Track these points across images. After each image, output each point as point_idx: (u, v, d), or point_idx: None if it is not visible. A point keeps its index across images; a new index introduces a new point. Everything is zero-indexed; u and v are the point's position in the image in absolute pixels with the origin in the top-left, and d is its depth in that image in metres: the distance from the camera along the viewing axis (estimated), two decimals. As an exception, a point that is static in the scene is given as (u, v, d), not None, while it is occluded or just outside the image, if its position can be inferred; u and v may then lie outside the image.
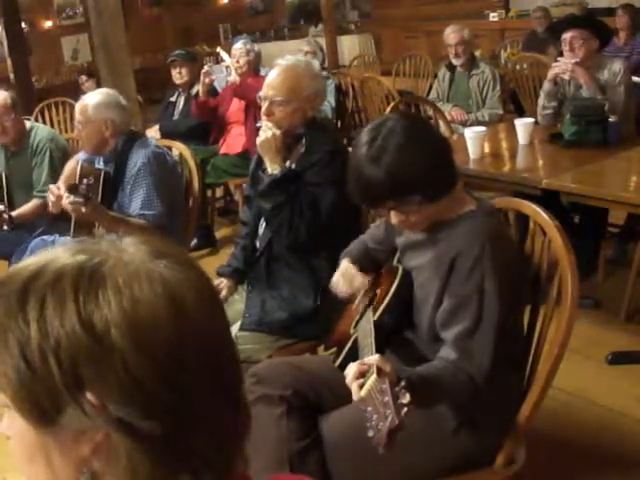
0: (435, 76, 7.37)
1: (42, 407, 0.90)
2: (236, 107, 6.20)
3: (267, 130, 3.33)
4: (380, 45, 14.84)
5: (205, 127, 6.36)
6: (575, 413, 3.70)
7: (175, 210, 3.91)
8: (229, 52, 6.98)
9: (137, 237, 1.01)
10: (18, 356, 0.89)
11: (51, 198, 3.92)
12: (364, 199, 2.42)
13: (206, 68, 6.22)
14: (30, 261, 0.96)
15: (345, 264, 2.82)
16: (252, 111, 5.89)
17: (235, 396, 1.01)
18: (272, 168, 3.32)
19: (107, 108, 3.89)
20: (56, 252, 0.97)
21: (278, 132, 3.31)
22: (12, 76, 9.69)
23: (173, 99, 6.72)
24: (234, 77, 5.95)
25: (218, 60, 8.56)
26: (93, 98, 3.91)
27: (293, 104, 3.34)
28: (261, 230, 3.46)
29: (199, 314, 0.94)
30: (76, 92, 10.80)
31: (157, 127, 6.72)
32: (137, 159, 3.82)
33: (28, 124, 4.95)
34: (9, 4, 9.69)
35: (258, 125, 3.44)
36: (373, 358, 2.06)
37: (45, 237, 3.98)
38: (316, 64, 3.67)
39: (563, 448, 3.43)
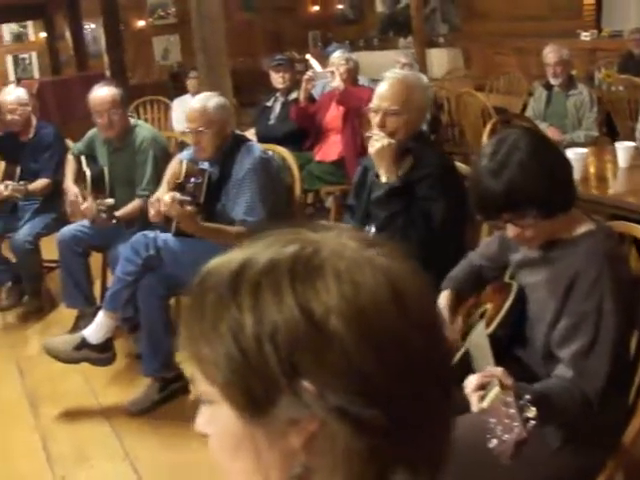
0: (529, 94, 7.32)
1: (255, 396, 0.88)
2: (334, 114, 6.22)
3: (381, 139, 3.34)
4: (469, 60, 14.77)
5: (301, 133, 6.38)
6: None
7: (276, 217, 3.94)
8: (318, 60, 7.03)
9: (343, 227, 0.98)
10: (231, 344, 0.87)
11: (152, 212, 3.98)
12: (481, 210, 2.44)
13: (309, 74, 6.25)
14: (229, 255, 0.95)
15: (443, 296, 2.82)
16: (351, 119, 5.93)
17: (449, 389, 0.97)
18: (387, 177, 3.34)
19: (225, 108, 3.97)
20: (258, 245, 0.94)
21: (392, 141, 3.33)
22: (107, 73, 9.94)
23: (269, 104, 6.76)
24: (338, 83, 5.97)
25: (307, 67, 8.61)
26: (209, 100, 3.98)
27: (405, 115, 3.37)
28: (367, 240, 3.47)
29: (418, 301, 0.91)
30: (167, 91, 10.98)
31: (253, 131, 6.76)
32: (244, 164, 3.86)
33: (132, 121, 5.07)
34: (109, 3, 9.92)
35: (368, 135, 3.46)
36: (496, 370, 2.08)
37: (147, 232, 4.05)
38: (424, 77, 3.69)
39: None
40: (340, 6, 17.43)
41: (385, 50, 13.70)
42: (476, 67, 14.21)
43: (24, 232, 5.56)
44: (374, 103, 3.44)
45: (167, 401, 4.17)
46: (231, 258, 0.94)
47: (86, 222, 4.96)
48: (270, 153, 4.14)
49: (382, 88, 3.44)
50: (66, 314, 5.46)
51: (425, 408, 0.91)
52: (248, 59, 14.68)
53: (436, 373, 0.93)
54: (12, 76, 17.09)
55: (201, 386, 0.94)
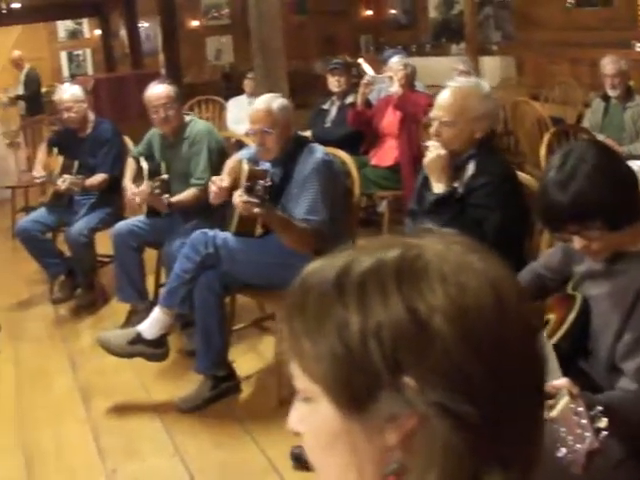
0: (585, 105, 7.27)
1: (356, 392, 0.90)
2: (391, 119, 6.23)
3: (434, 150, 3.37)
4: (521, 69, 14.67)
5: (357, 137, 6.37)
6: None
7: (335, 219, 3.95)
8: (371, 64, 7.02)
9: (444, 232, 1.02)
10: (336, 340, 0.90)
11: (213, 189, 4.05)
12: (547, 222, 2.46)
13: (368, 78, 6.26)
14: (331, 258, 0.98)
15: None
16: (408, 125, 5.93)
17: (541, 389, 1.00)
18: (437, 187, 3.37)
19: (288, 110, 4.03)
20: (359, 249, 0.98)
21: (444, 152, 3.35)
22: (163, 71, 10.03)
23: (326, 106, 6.78)
24: (396, 89, 5.99)
25: (359, 71, 8.61)
26: (274, 101, 4.03)
27: (460, 125, 3.38)
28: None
29: (516, 305, 0.94)
30: (219, 91, 11.05)
31: (308, 133, 6.77)
32: (307, 164, 3.89)
33: (187, 118, 5.15)
34: (167, 2, 10.02)
35: (425, 144, 3.48)
36: (563, 381, 2.07)
37: (206, 230, 4.07)
38: (486, 85, 3.68)
39: None
40: (393, 11, 17.40)
41: (437, 56, 13.65)
42: (529, 76, 14.11)
43: (80, 226, 5.63)
44: (432, 112, 3.47)
45: (218, 399, 4.18)
46: (334, 259, 0.97)
47: (142, 217, 5.02)
48: (332, 156, 4.15)
49: (440, 97, 3.47)
50: (118, 309, 5.52)
51: (519, 407, 0.93)
52: (300, 62, 14.72)
53: (530, 373, 0.96)
54: (66, 72, 17.36)
55: (299, 382, 0.96)
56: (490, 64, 13.98)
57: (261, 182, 3.59)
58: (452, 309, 0.89)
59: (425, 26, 16.64)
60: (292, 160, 3.95)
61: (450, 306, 0.89)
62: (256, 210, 3.58)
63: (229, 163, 4.38)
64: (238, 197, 3.68)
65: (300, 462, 3.51)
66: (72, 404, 4.41)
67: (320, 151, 4.00)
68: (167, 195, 4.66)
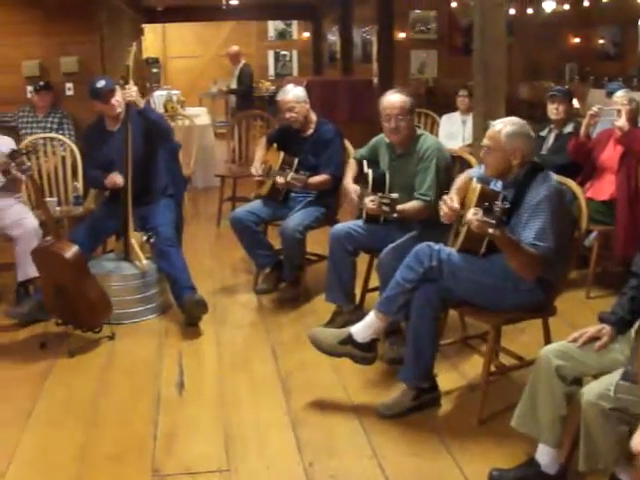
0: None
1: None
2: (611, 153, 6.11)
3: None
4: None
5: (574, 167, 6.22)
6: None
7: (560, 248, 3.92)
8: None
9: None
10: None
11: (444, 209, 4.10)
12: None
13: (595, 109, 6.13)
14: None
15: None
16: (628, 161, 5.80)
17: None
18: None
19: (519, 138, 3.97)
20: None
21: None
22: (375, 80, 10.15)
23: (543, 134, 6.69)
24: (623, 123, 5.87)
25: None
26: (507, 127, 4.01)
27: None
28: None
29: None
30: (421, 106, 11.12)
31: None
32: (540, 191, 3.87)
33: (418, 131, 5.15)
34: (385, 13, 10.12)
35: None
36: None
37: (431, 244, 4.10)
38: None
39: None
40: (601, 41, 17.10)
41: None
42: None
43: (295, 221, 5.80)
44: None
45: (418, 410, 4.23)
46: None
47: (360, 222, 5.13)
48: (564, 186, 4.13)
49: None
50: (320, 307, 5.69)
51: None
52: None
53: None
54: (272, 71, 17.90)
55: None
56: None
57: (499, 203, 3.61)
58: None
59: (633, 59, 16.26)
60: (525, 185, 3.94)
61: None
62: (491, 230, 3.59)
63: (458, 181, 4.42)
64: (473, 215, 3.70)
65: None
66: (273, 393, 4.55)
67: (554, 179, 3.98)
68: (395, 215, 4.63)
